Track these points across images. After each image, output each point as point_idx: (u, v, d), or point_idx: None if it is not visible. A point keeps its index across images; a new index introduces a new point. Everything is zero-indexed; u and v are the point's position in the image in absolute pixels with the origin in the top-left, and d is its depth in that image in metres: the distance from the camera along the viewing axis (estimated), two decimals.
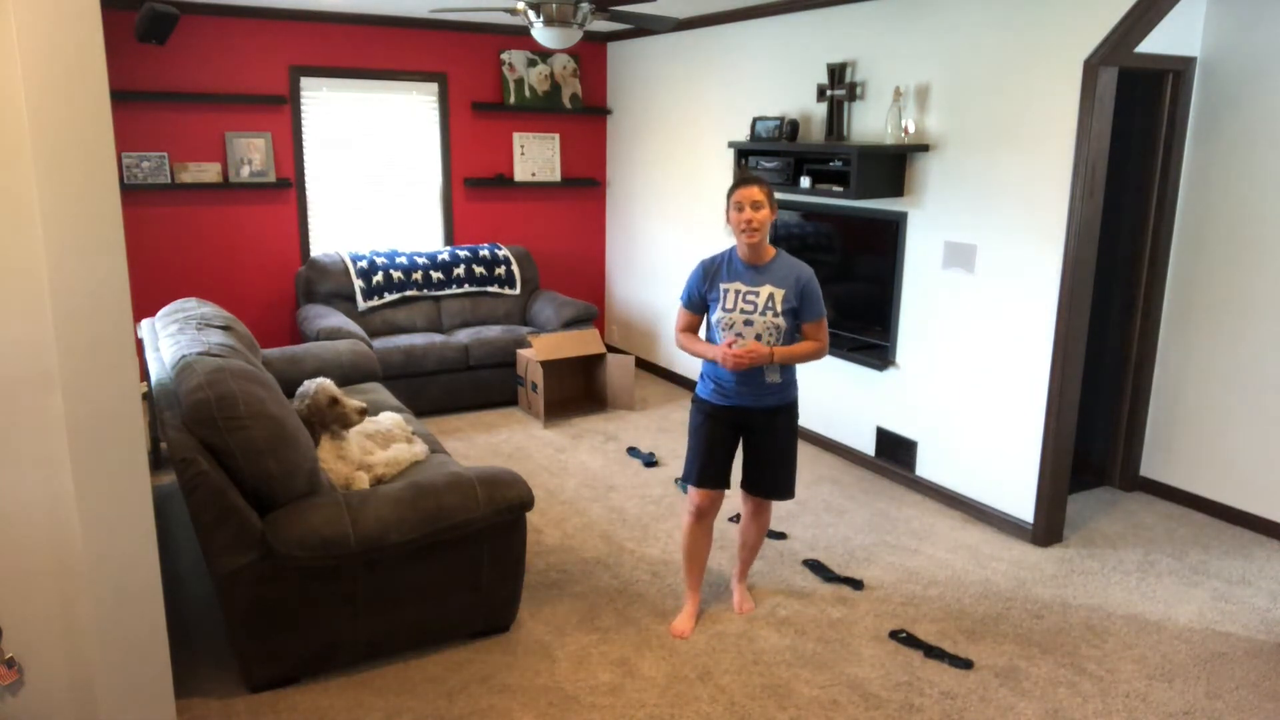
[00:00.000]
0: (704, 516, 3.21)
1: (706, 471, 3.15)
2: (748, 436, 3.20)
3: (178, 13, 4.69)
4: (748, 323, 3.04)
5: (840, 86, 4.70)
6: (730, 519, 4.16)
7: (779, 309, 3.02)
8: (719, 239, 5.70)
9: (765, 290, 3.04)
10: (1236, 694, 2.96)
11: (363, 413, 3.34)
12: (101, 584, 2.19)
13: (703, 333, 3.24)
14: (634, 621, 3.32)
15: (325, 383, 3.33)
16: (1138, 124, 4.37)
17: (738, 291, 3.07)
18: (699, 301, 3.16)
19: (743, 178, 3.04)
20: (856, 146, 4.31)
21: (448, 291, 6.08)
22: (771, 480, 3.23)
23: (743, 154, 5.07)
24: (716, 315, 3.10)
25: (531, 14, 3.92)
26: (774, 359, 2.99)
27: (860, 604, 3.47)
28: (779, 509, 4.30)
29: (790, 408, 3.18)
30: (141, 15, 4.61)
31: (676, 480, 4.68)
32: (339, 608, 2.85)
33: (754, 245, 3.03)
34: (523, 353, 5.67)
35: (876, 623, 3.34)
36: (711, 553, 3.81)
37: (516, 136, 6.60)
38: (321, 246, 6.14)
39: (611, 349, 7.14)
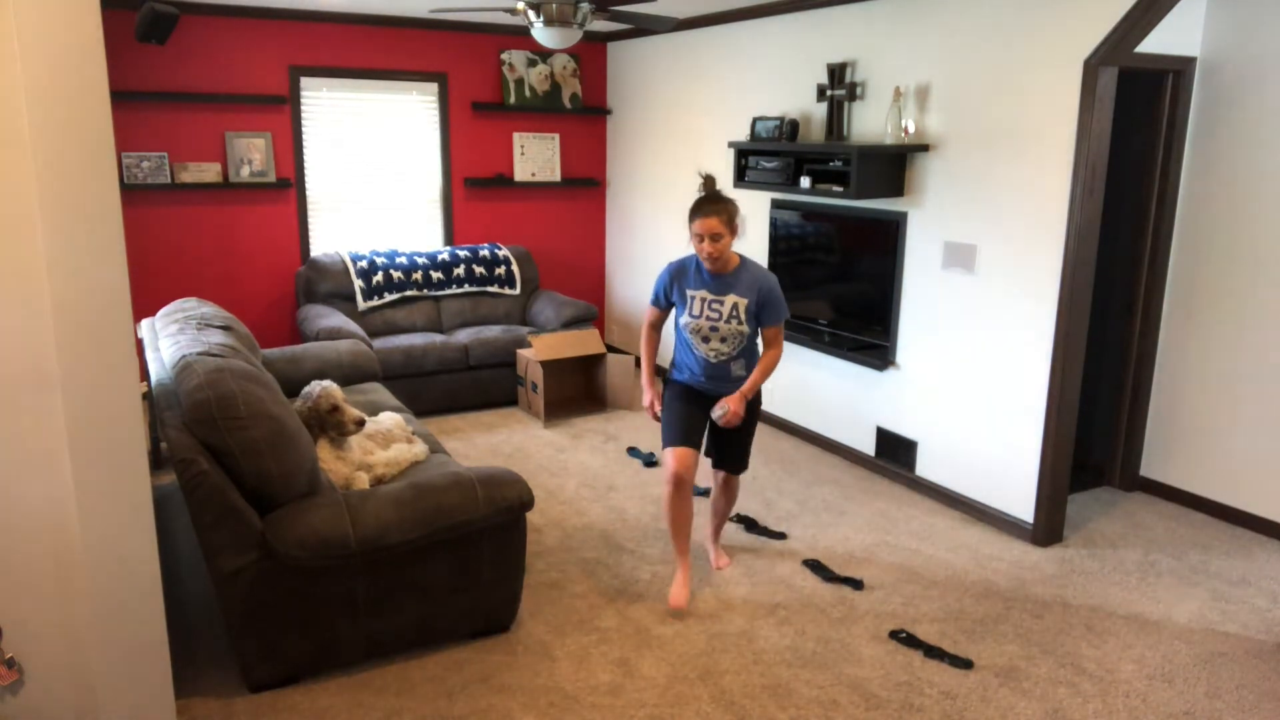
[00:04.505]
0: (681, 485, 3.33)
1: (684, 431, 3.35)
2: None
3: (178, 13, 4.69)
4: (713, 328, 3.30)
5: (840, 86, 4.70)
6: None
7: (743, 317, 3.28)
8: None
9: (730, 300, 3.28)
10: (1236, 694, 2.96)
11: (360, 424, 3.32)
12: (101, 584, 2.19)
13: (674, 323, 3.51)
14: (634, 621, 3.32)
15: (331, 388, 3.32)
16: (1138, 124, 4.37)
17: (704, 299, 3.30)
18: (665, 303, 3.45)
19: (699, 205, 3.18)
20: (856, 146, 4.31)
21: (448, 291, 6.08)
22: (733, 457, 3.53)
23: (743, 154, 5.07)
24: (684, 320, 3.35)
25: (531, 14, 3.92)
26: (745, 395, 3.28)
27: (860, 604, 3.47)
28: (778, 510, 4.31)
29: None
30: (141, 15, 4.62)
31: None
32: (339, 608, 2.85)
33: (716, 267, 3.27)
34: (523, 353, 5.67)
35: (876, 623, 3.34)
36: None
37: (516, 136, 6.60)
38: (321, 246, 6.14)
39: (611, 349, 7.14)
